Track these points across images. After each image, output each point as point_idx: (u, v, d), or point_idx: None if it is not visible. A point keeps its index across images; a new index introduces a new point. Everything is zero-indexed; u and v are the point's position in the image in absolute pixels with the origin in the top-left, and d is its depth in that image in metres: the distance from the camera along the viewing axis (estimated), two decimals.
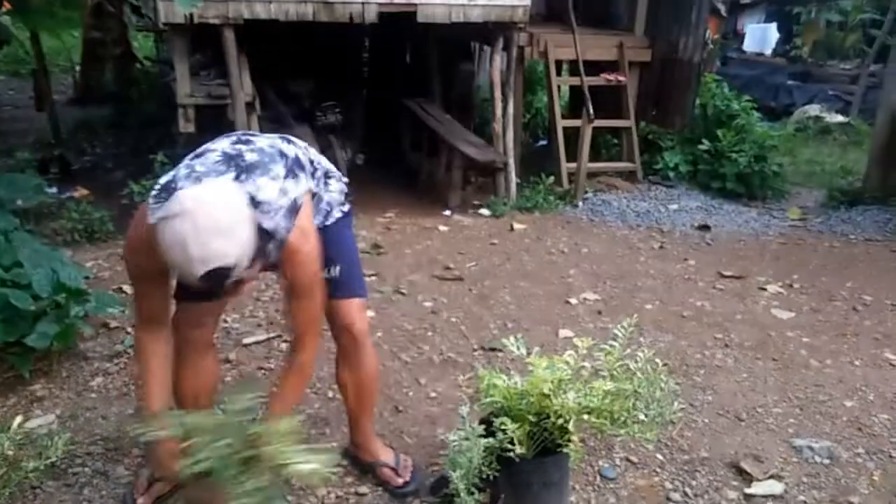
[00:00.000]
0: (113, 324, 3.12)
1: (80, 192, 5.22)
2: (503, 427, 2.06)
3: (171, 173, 1.70)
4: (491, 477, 2.04)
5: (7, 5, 5.76)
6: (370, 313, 3.45)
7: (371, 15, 5.20)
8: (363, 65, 8.26)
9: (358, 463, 2.33)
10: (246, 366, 2.92)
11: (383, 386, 2.81)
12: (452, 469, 2.05)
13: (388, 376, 2.90)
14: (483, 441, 2.06)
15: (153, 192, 1.64)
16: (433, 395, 2.80)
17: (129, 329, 3.06)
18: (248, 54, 5.29)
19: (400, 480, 2.24)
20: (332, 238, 2.04)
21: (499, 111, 5.76)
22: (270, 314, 3.39)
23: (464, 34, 6.23)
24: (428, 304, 3.63)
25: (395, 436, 2.51)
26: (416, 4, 5.20)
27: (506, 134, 5.75)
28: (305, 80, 6.75)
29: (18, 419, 1.85)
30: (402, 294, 3.74)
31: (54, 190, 5.08)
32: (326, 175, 2.07)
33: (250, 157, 1.75)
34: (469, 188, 5.91)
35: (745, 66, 12.02)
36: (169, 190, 1.60)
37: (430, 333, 3.31)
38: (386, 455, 2.29)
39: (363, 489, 2.24)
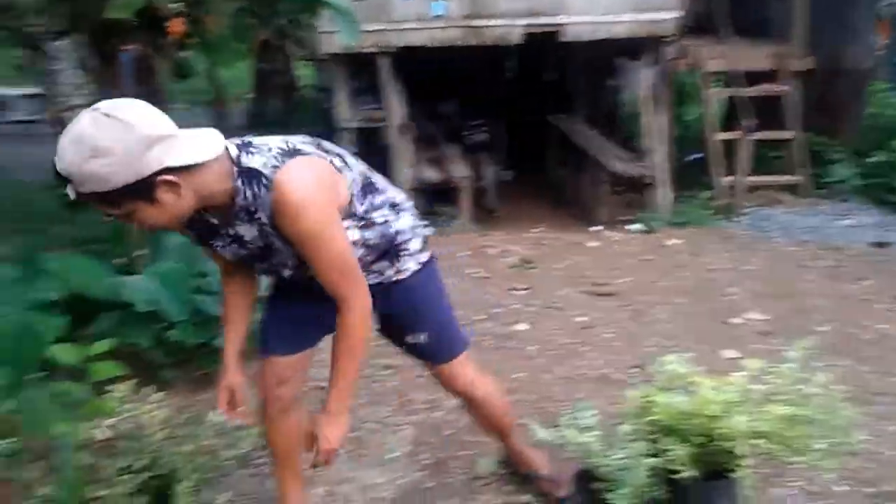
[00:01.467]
0: None
1: None
2: (669, 448, 2.02)
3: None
4: (656, 500, 2.00)
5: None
6: (522, 326, 3.51)
7: (516, 36, 5.30)
8: (506, 83, 8.39)
9: (516, 473, 2.36)
10: (407, 372, 3.05)
11: (538, 399, 2.85)
12: (613, 489, 2.03)
13: (542, 389, 2.93)
14: (648, 461, 2.03)
15: None
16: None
17: None
18: (400, 79, 5.57)
19: (562, 493, 2.25)
20: (412, 297, 1.86)
21: (648, 126, 5.65)
22: None
23: (608, 50, 6.18)
24: (581, 319, 3.62)
25: (551, 449, 2.51)
26: (560, 24, 5.23)
27: (656, 148, 5.62)
28: (453, 101, 6.98)
29: (212, 413, 2.04)
30: (556, 308, 3.76)
31: None
32: (394, 206, 1.77)
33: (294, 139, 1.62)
34: (617, 204, 5.82)
35: None
36: None
37: (584, 349, 3.30)
38: (542, 466, 2.29)
39: (525, 498, 2.27)
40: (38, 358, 2.50)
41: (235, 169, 1.47)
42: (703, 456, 2.03)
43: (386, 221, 1.73)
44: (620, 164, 5.61)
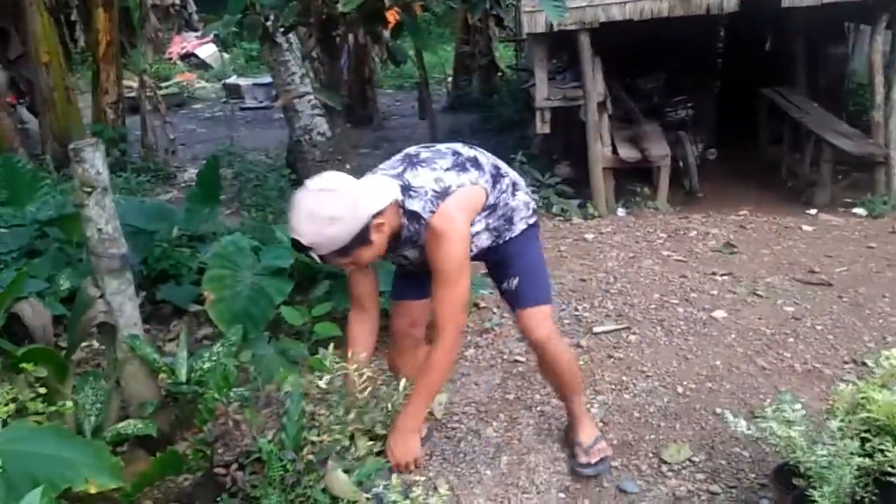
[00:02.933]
0: (482, 304, 3.52)
1: None
2: (883, 448, 1.87)
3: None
4: (866, 500, 1.86)
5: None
6: (721, 313, 3.36)
7: (731, 4, 4.97)
8: (717, 55, 7.89)
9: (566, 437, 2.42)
10: (596, 352, 3.07)
11: (735, 388, 2.73)
12: (818, 486, 1.91)
13: (742, 380, 2.79)
14: (858, 460, 1.89)
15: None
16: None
17: (495, 309, 3.43)
18: (600, 55, 5.47)
19: (584, 459, 2.27)
20: (513, 251, 2.13)
21: (879, 98, 5.06)
22: (619, 306, 3.49)
23: (836, 13, 5.58)
24: (789, 308, 3.38)
25: (748, 442, 2.41)
26: None
27: (888, 123, 5.03)
28: (656, 76, 6.70)
29: (403, 382, 2.20)
30: (759, 296, 3.53)
31: None
32: (514, 186, 2.13)
33: (424, 154, 2.02)
34: (840, 184, 5.30)
35: None
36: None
37: (791, 340, 3.09)
38: (586, 435, 2.32)
39: (715, 488, 2.21)
40: (268, 317, 2.87)
41: (401, 210, 1.92)
42: None
43: (507, 204, 2.10)
44: (846, 140, 5.09)
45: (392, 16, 3.64)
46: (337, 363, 2.08)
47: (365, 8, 3.16)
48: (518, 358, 3.02)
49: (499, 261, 2.17)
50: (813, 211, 4.84)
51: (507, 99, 8.78)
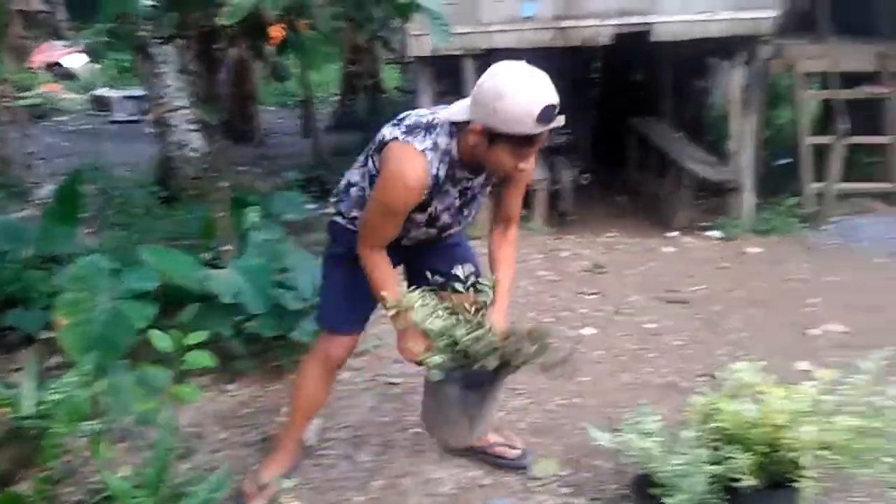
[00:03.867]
0: None
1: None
2: (731, 456, 2.00)
3: (387, 132, 2.03)
4: None
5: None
6: (589, 330, 3.50)
7: (605, 37, 5.24)
8: (594, 86, 8.30)
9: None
10: None
11: (600, 404, 2.84)
12: (671, 494, 2.02)
13: (606, 395, 2.92)
14: (709, 468, 2.01)
15: (401, 131, 1.96)
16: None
17: (373, 331, 3.40)
18: None
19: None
20: (462, 238, 2.30)
21: (736, 129, 5.49)
22: None
23: (700, 50, 6.03)
24: (651, 325, 3.58)
25: (610, 454, 2.51)
26: (652, 24, 5.14)
27: (742, 152, 5.45)
28: None
29: (285, 409, 2.15)
30: (625, 314, 3.72)
31: (314, 206, 5.79)
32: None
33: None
34: (697, 209, 5.68)
35: None
36: (414, 128, 1.96)
37: (651, 355, 3.27)
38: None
39: (580, 500, 2.29)
40: (127, 344, 2.71)
41: None
42: (766, 465, 2.00)
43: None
44: (704, 167, 5.47)
45: (277, 31, 3.57)
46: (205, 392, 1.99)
47: (247, 22, 3.09)
48: (394, 380, 3.01)
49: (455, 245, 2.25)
50: (674, 233, 5.16)
51: (390, 119, 8.81)
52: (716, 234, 5.11)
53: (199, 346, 2.73)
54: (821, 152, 5.50)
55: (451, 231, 2.17)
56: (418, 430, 2.65)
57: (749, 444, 2.02)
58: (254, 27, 3.24)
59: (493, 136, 1.81)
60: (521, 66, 1.83)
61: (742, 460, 1.97)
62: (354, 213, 2.13)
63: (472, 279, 2.17)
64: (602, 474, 2.40)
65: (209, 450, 2.56)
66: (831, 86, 5.76)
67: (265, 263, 3.13)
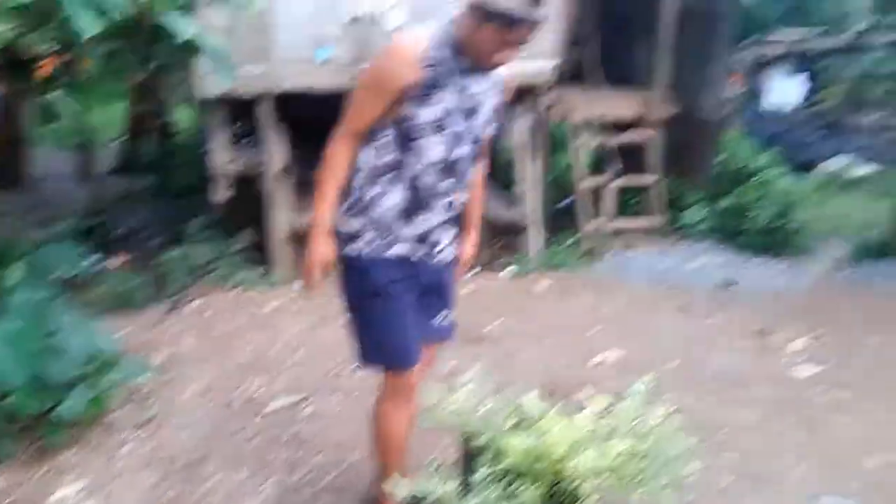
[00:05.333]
0: (143, 390, 3.23)
1: (117, 260, 5.44)
2: (522, 488, 2.09)
3: None
4: None
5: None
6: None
7: None
8: None
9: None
10: (272, 430, 2.99)
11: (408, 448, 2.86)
12: None
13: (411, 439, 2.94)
14: None
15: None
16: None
17: (157, 397, 3.18)
18: (284, 122, 5.53)
19: None
20: (450, 277, 2.25)
21: (523, 172, 5.89)
22: (297, 378, 3.47)
23: None
24: (453, 362, 3.68)
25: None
26: None
27: (530, 194, 5.86)
28: None
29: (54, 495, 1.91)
30: None
31: (94, 258, 5.30)
32: None
33: None
34: (494, 248, 6.00)
35: (773, 120, 12.09)
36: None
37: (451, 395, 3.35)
38: None
39: None
40: None
41: None
42: (552, 497, 2.11)
43: None
44: (496, 208, 5.80)
45: (46, 67, 3.27)
46: None
47: (6, 57, 2.79)
48: (175, 453, 2.80)
49: (440, 290, 2.20)
50: (473, 272, 5.39)
51: (185, 162, 8.39)
52: (511, 270, 5.42)
53: None
54: (597, 192, 6.09)
55: (465, 178, 2.12)
56: (212, 497, 2.49)
57: (536, 477, 2.12)
58: (15, 62, 2.95)
59: (482, 16, 1.83)
60: None
61: (529, 494, 2.06)
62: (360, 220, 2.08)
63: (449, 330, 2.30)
64: None
65: None
66: (603, 132, 6.41)
67: (27, 328, 2.80)
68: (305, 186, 6.08)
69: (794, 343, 4.06)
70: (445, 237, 2.16)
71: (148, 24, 2.75)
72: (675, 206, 6.50)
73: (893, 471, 2.76)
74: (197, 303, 4.57)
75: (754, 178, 6.35)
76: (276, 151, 5.39)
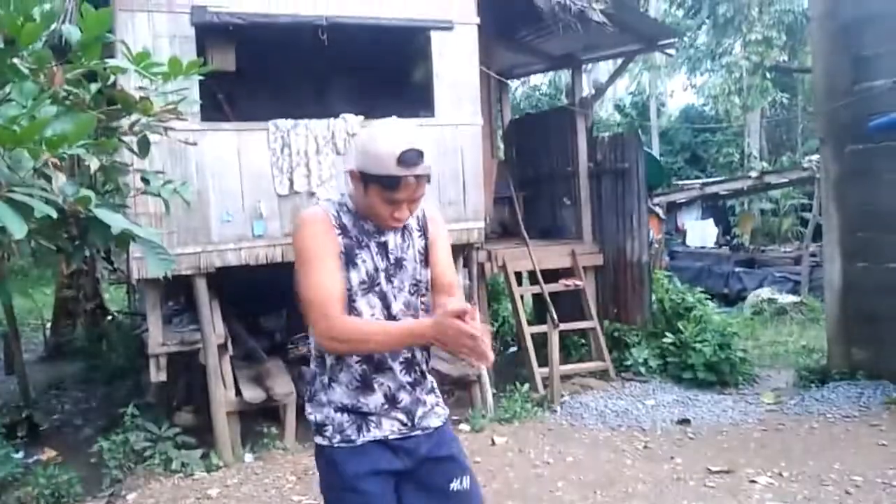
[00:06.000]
0: None
1: (48, 453, 5.06)
2: None
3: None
4: None
5: None
6: None
7: None
8: None
9: None
10: None
11: None
12: None
13: None
14: None
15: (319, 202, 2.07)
16: None
17: None
18: (219, 296, 5.47)
19: None
20: (453, 441, 2.05)
21: None
22: None
23: None
24: None
25: None
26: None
27: None
28: (277, 314, 6.92)
29: None
30: None
31: (21, 455, 4.92)
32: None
33: None
34: (446, 403, 5.88)
35: (693, 258, 12.76)
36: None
37: None
38: None
39: None
40: None
41: None
42: None
43: None
44: (444, 363, 5.75)
45: None
46: None
47: None
48: None
49: (443, 456, 1.99)
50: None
51: (117, 345, 8.09)
52: (465, 427, 5.29)
53: None
54: (541, 340, 6.15)
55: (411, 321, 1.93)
56: None
57: None
58: None
59: (366, 180, 1.85)
60: (394, 119, 1.94)
61: None
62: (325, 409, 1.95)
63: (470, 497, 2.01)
64: None
65: None
66: (536, 282, 6.60)
67: None
68: (243, 360, 5.95)
69: (759, 479, 4.02)
70: (419, 403, 1.99)
71: (78, 218, 2.75)
72: (619, 347, 6.61)
73: None
74: (133, 496, 4.23)
75: (691, 314, 6.56)
76: (214, 327, 5.28)
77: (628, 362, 6.44)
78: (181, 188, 3.18)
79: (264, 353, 6.19)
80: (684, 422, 5.21)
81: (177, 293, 6.52)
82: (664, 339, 6.46)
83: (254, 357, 6.13)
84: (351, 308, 1.91)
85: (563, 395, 5.81)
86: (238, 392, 5.33)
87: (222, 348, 5.36)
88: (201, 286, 5.25)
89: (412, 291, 2.00)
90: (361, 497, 1.89)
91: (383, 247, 1.96)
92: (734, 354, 6.19)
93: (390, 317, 1.95)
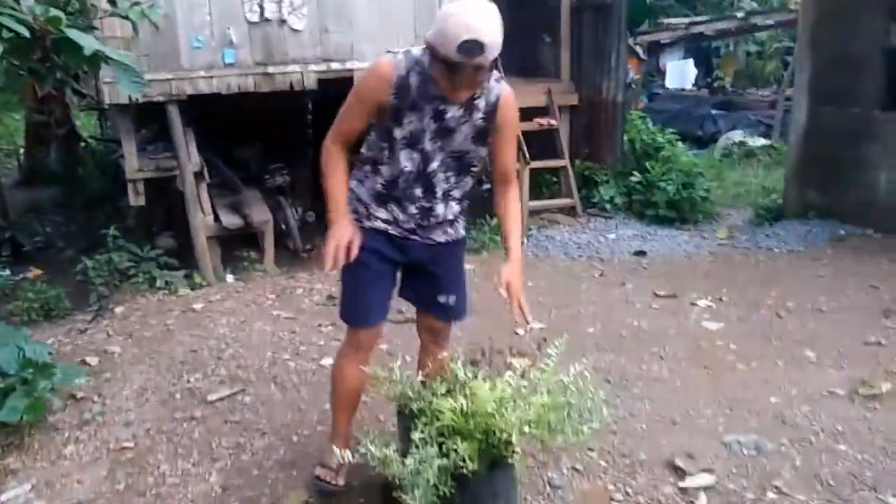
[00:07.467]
0: (80, 394, 3.21)
1: (34, 272, 5.30)
2: (454, 447, 2.25)
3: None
4: (447, 494, 2.21)
5: None
6: (328, 360, 3.62)
7: (311, 81, 5.48)
8: (308, 126, 8.51)
9: None
10: (212, 420, 3.04)
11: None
12: (410, 490, 2.21)
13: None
14: (438, 462, 2.24)
15: (399, 52, 2.13)
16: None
17: (96, 397, 3.18)
18: (193, 125, 5.50)
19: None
20: (455, 259, 2.39)
21: None
22: (232, 371, 3.52)
23: None
24: (383, 346, 3.81)
25: (356, 471, 2.64)
26: (353, 70, 5.49)
27: None
28: (252, 145, 6.97)
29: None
30: None
31: (7, 272, 5.15)
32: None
33: None
34: None
35: (671, 100, 12.73)
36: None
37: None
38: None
39: None
40: None
41: None
42: (484, 450, 2.28)
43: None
44: None
45: None
46: None
47: None
48: (126, 444, 2.83)
49: (438, 271, 2.35)
50: None
51: (94, 171, 8.15)
52: None
53: None
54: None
55: (443, 187, 2.23)
56: (158, 489, 2.54)
57: (468, 434, 2.29)
58: None
59: (433, 53, 1.97)
60: (483, 1, 1.96)
61: (463, 449, 2.22)
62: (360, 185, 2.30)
63: (451, 312, 2.42)
64: (350, 494, 2.51)
65: None
66: None
67: None
68: (220, 189, 6.08)
69: (700, 302, 4.39)
70: (428, 218, 2.27)
71: (50, 38, 2.73)
72: (589, 185, 6.82)
73: (791, 408, 3.06)
74: (121, 309, 4.51)
75: (659, 155, 6.72)
76: (189, 155, 5.35)
77: (595, 200, 6.67)
78: (149, 10, 3.15)
79: (241, 182, 6.31)
80: (640, 253, 5.53)
81: (150, 122, 6.50)
82: (631, 178, 6.66)
83: (230, 186, 6.26)
84: (392, 156, 2.19)
85: (530, 229, 6.08)
86: (216, 218, 5.52)
87: (199, 176, 5.47)
88: (174, 113, 5.25)
89: (454, 157, 2.22)
90: (359, 265, 2.23)
91: (440, 114, 2.12)
92: (696, 193, 6.44)
93: (425, 173, 2.21)
